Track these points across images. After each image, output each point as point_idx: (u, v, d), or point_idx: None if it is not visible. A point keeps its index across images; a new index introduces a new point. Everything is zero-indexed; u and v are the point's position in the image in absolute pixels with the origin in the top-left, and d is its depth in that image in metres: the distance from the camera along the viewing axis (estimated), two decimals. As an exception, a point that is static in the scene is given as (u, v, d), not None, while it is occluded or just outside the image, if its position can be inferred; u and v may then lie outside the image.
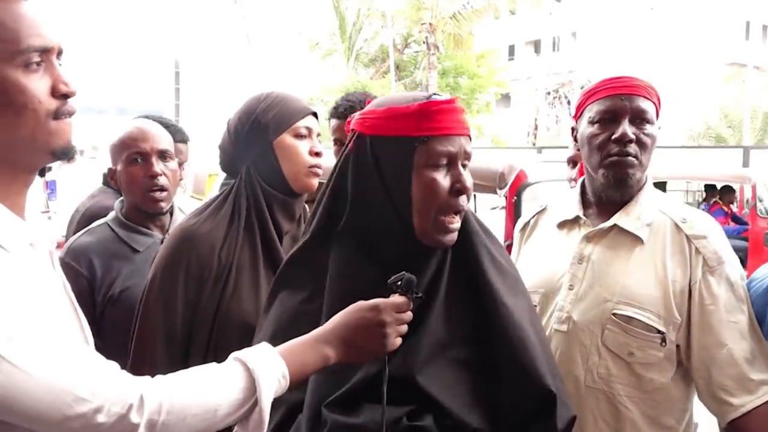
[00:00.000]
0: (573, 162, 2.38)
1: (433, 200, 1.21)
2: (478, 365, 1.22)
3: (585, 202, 1.70)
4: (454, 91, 25.00)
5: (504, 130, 27.92)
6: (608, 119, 1.58)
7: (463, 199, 1.23)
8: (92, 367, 0.93)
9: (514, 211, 4.32)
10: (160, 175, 1.93)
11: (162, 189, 1.94)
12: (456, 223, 1.24)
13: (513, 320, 1.23)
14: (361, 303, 1.15)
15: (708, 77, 27.42)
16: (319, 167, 1.66)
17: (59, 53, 1.03)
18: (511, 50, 36.34)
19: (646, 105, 1.57)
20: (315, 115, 1.70)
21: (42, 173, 1.08)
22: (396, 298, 1.15)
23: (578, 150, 2.16)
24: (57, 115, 1.00)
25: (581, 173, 1.79)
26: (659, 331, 1.51)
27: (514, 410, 1.17)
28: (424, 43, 24.22)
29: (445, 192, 1.21)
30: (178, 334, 1.53)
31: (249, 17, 25.40)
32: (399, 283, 1.16)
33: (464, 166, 1.25)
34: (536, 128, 25.66)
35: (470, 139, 1.27)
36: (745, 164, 9.34)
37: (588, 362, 1.56)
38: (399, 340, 1.16)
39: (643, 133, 1.56)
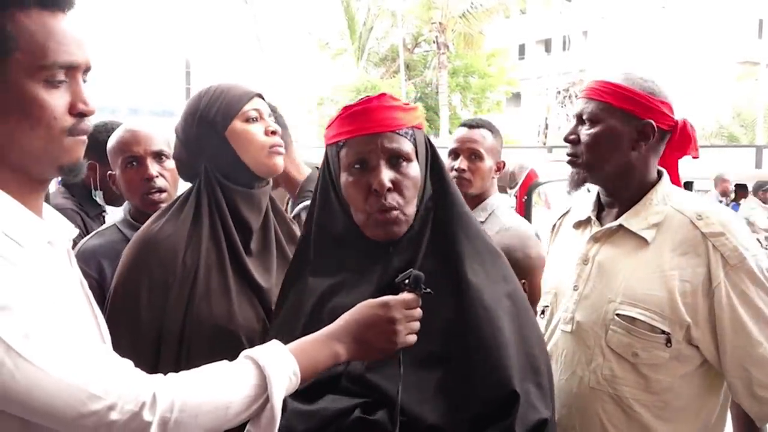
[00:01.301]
0: (454, 154, 2.45)
1: (355, 202, 1.27)
2: (447, 361, 1.22)
3: (600, 204, 1.71)
4: (465, 90, 24.98)
5: (514, 130, 27.78)
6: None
7: (388, 196, 1.24)
8: (106, 364, 0.94)
9: (524, 210, 4.32)
10: (157, 176, 1.92)
11: (160, 190, 1.93)
12: (391, 215, 1.25)
13: (489, 317, 1.22)
14: (372, 300, 1.16)
15: (720, 76, 27.21)
16: (279, 145, 1.59)
17: (86, 70, 1.03)
18: (522, 49, 36.19)
19: (592, 105, 1.60)
20: (261, 96, 1.63)
21: None
22: (405, 295, 1.16)
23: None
24: (72, 132, 1.01)
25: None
26: (663, 332, 1.48)
27: (477, 409, 1.17)
28: (434, 42, 24.21)
29: (362, 194, 1.26)
30: (144, 340, 1.48)
31: (260, 17, 25.47)
32: (407, 281, 1.17)
33: (394, 162, 1.26)
34: (547, 127, 25.53)
35: (399, 132, 1.27)
36: (758, 164, 9.22)
37: (592, 363, 1.55)
38: (412, 338, 1.16)
39: (583, 133, 1.61)
